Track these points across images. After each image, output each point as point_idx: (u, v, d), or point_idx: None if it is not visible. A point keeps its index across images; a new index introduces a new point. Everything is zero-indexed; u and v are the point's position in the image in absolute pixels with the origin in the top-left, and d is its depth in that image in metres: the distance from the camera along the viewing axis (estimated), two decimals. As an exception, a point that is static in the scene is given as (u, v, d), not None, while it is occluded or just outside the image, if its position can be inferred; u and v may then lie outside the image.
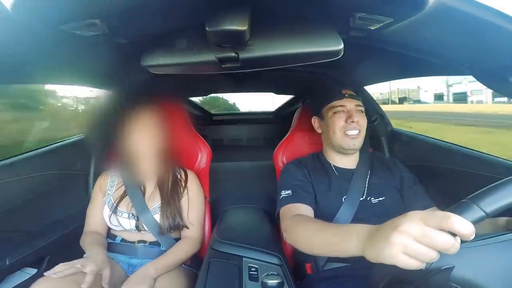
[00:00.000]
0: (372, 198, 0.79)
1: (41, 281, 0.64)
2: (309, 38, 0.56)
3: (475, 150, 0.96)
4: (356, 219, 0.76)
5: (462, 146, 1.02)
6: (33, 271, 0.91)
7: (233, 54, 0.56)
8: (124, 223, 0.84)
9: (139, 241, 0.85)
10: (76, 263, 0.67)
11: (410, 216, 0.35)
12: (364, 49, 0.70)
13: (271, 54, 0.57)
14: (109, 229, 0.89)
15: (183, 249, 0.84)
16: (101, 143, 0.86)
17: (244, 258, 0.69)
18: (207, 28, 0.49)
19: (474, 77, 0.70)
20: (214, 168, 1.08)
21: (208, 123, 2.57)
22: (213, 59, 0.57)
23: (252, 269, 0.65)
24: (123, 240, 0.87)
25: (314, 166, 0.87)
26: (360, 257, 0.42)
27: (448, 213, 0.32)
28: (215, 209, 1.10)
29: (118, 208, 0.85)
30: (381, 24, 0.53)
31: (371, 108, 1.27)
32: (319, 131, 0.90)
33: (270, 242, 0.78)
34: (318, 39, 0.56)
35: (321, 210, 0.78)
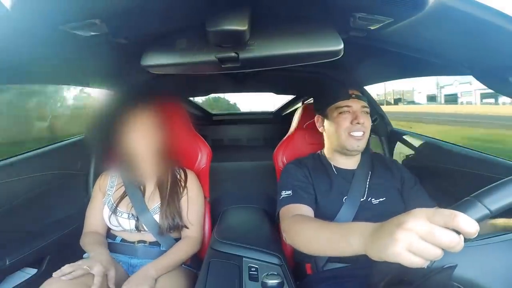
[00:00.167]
0: (372, 199, 0.79)
1: (50, 282, 0.64)
2: (309, 38, 0.56)
3: (475, 150, 0.96)
4: (356, 220, 0.76)
5: (462, 146, 1.02)
6: (33, 271, 0.91)
7: (233, 54, 0.56)
8: (123, 224, 0.84)
9: (139, 241, 0.85)
10: (83, 264, 0.67)
11: (415, 213, 0.34)
12: (364, 49, 0.70)
13: (271, 54, 0.56)
14: (109, 229, 0.89)
15: (183, 249, 0.84)
16: (101, 143, 0.86)
17: (244, 258, 0.69)
18: (207, 28, 0.49)
19: (474, 77, 0.70)
20: (214, 168, 1.08)
21: (208, 123, 2.57)
22: (213, 59, 0.57)
23: (252, 269, 0.65)
24: (123, 240, 0.87)
25: (315, 166, 0.86)
26: (360, 257, 0.41)
27: (454, 211, 0.32)
28: (215, 209, 1.10)
29: (118, 208, 0.85)
30: (381, 24, 0.53)
31: (371, 108, 1.27)
32: (322, 130, 0.89)
33: (270, 242, 0.78)
34: (318, 39, 0.56)
35: (321, 210, 0.78)
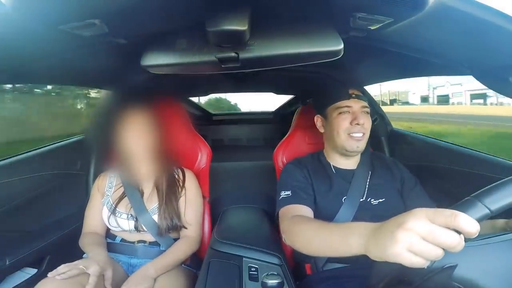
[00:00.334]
0: (372, 200, 0.79)
1: (45, 281, 0.64)
2: (309, 38, 0.56)
3: (475, 150, 0.96)
4: (356, 220, 0.75)
5: (462, 146, 1.02)
6: (33, 271, 0.91)
7: (233, 54, 0.56)
8: (123, 224, 0.84)
9: (138, 241, 0.85)
10: (79, 264, 0.67)
11: (415, 213, 0.34)
12: (364, 49, 0.70)
13: (271, 54, 0.56)
14: (108, 229, 0.89)
15: (182, 249, 0.84)
16: (100, 143, 0.86)
17: (244, 258, 0.69)
18: (207, 28, 0.49)
19: (474, 77, 0.70)
20: (214, 168, 1.08)
21: (208, 123, 2.57)
22: (213, 59, 0.57)
23: (252, 269, 0.65)
24: (122, 240, 0.87)
25: (314, 166, 0.86)
26: (359, 257, 0.41)
27: (455, 211, 0.32)
28: (215, 209, 1.10)
29: (116, 209, 0.85)
30: (381, 24, 0.53)
31: (371, 108, 1.27)
32: (322, 130, 0.89)
33: (270, 242, 0.78)
34: (318, 39, 0.56)
35: (320, 210, 0.78)
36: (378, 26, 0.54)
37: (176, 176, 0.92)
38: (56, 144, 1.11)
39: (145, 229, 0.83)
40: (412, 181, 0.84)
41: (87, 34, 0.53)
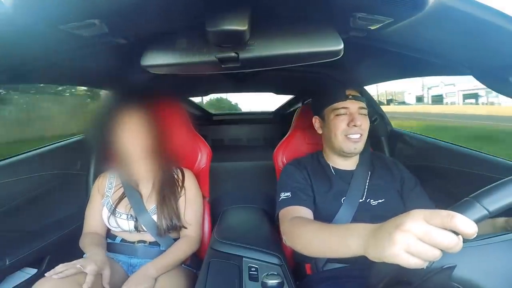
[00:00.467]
0: (371, 200, 0.79)
1: (42, 281, 0.64)
2: (309, 38, 0.56)
3: (475, 150, 0.96)
4: (355, 221, 0.75)
5: (462, 146, 1.02)
6: (33, 271, 0.91)
7: (233, 54, 0.56)
8: (122, 224, 0.84)
9: (139, 241, 0.85)
10: (76, 264, 0.67)
11: (413, 214, 0.34)
12: (364, 49, 0.70)
13: (271, 54, 0.56)
14: (109, 229, 0.89)
15: (182, 249, 0.84)
16: (99, 143, 0.86)
17: (244, 258, 0.69)
18: (207, 28, 0.49)
19: (474, 77, 0.70)
20: (214, 168, 1.08)
21: (208, 123, 2.57)
22: (213, 59, 0.57)
23: (252, 269, 0.65)
24: (123, 240, 0.87)
25: (314, 167, 0.86)
26: (359, 257, 0.41)
27: (452, 212, 0.32)
28: (215, 209, 1.10)
29: (116, 209, 0.85)
30: (381, 24, 0.53)
31: (371, 109, 1.27)
32: (320, 131, 0.89)
33: (270, 242, 0.78)
34: (318, 39, 0.56)
35: (320, 211, 0.78)
36: (378, 26, 0.53)
37: (176, 176, 0.92)
38: (56, 144, 1.11)
39: (145, 229, 0.83)
40: (412, 182, 0.84)
41: (87, 34, 0.53)
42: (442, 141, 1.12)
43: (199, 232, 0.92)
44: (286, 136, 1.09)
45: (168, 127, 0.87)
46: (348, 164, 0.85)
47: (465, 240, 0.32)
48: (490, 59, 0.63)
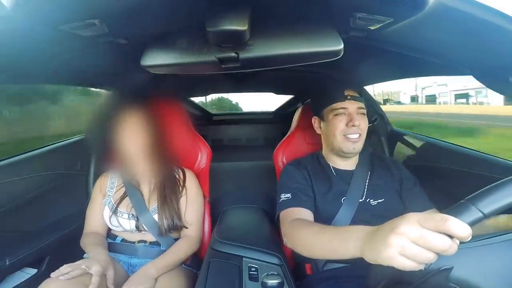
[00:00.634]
0: (371, 200, 0.79)
1: (48, 281, 0.64)
2: (309, 38, 0.56)
3: (475, 150, 0.96)
4: (355, 221, 0.76)
5: (462, 146, 1.02)
6: (33, 271, 0.91)
7: (233, 54, 0.56)
8: (124, 224, 0.84)
9: (139, 241, 0.85)
10: (81, 264, 0.67)
11: (407, 217, 0.35)
12: (364, 49, 0.70)
13: (271, 54, 0.56)
14: (109, 229, 0.89)
15: (183, 249, 0.84)
16: (100, 143, 0.86)
17: (244, 258, 0.69)
18: (207, 28, 0.49)
19: (474, 77, 0.70)
20: (214, 168, 1.08)
21: (208, 123, 2.57)
22: (213, 59, 0.57)
23: (252, 269, 0.65)
24: (123, 240, 0.87)
25: (314, 167, 0.86)
26: (359, 258, 0.42)
27: (445, 215, 0.32)
28: (215, 209, 1.10)
29: (118, 209, 0.85)
30: (381, 24, 0.53)
31: (371, 108, 1.27)
32: (319, 132, 0.89)
33: (270, 242, 0.78)
34: (318, 39, 0.56)
35: (320, 211, 0.78)
36: (378, 26, 0.54)
37: (177, 176, 0.92)
38: (56, 144, 1.11)
39: (146, 229, 0.83)
40: (411, 181, 0.84)
41: (87, 34, 0.53)
42: (442, 141, 1.13)
43: (200, 232, 0.92)
44: (286, 136, 1.09)
45: (168, 127, 0.87)
46: (348, 164, 0.85)
47: (462, 242, 0.32)
48: (490, 59, 0.63)
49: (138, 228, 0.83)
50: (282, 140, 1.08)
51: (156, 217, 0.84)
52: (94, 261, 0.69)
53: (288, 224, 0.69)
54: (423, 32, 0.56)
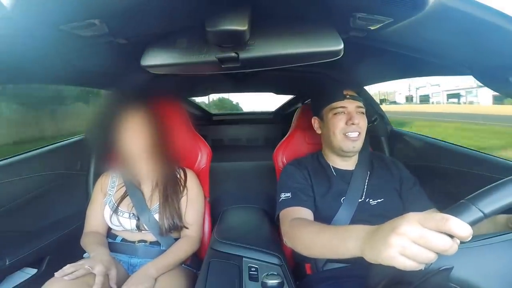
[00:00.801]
0: (371, 200, 0.79)
1: (52, 281, 0.64)
2: (309, 38, 0.56)
3: (475, 150, 0.96)
4: (354, 221, 0.76)
5: (462, 146, 1.02)
6: (33, 271, 0.91)
7: (233, 54, 0.56)
8: (125, 223, 0.84)
9: (139, 241, 0.85)
10: (84, 264, 0.67)
11: (408, 217, 0.35)
12: (364, 49, 0.70)
13: (271, 54, 0.56)
14: (109, 228, 0.89)
15: (183, 248, 0.84)
16: (100, 143, 0.86)
17: (244, 258, 0.69)
18: (207, 28, 0.49)
19: (474, 77, 0.70)
20: (214, 168, 1.08)
21: (208, 123, 2.57)
22: (213, 59, 0.57)
23: (252, 269, 0.65)
24: (123, 239, 0.87)
25: (314, 167, 0.86)
26: (359, 257, 0.42)
27: (446, 215, 0.32)
28: (215, 209, 1.10)
29: (119, 208, 0.85)
30: (381, 24, 0.53)
31: (371, 108, 1.27)
32: (319, 131, 0.89)
33: (270, 242, 0.78)
34: (318, 39, 0.56)
35: (319, 211, 0.78)
36: (378, 26, 0.54)
37: (178, 175, 0.92)
38: (56, 144, 1.11)
39: (147, 229, 0.83)
40: (411, 181, 0.84)
41: (87, 34, 0.53)
42: (442, 141, 1.13)
43: (200, 232, 0.92)
44: (286, 136, 1.09)
45: (169, 127, 0.87)
46: (348, 164, 0.86)
47: (463, 241, 0.32)
48: (490, 59, 0.63)
49: (138, 228, 0.83)
50: (282, 140, 1.08)
51: (157, 216, 0.84)
52: (97, 261, 0.70)
53: (288, 224, 0.69)
54: (423, 32, 0.56)
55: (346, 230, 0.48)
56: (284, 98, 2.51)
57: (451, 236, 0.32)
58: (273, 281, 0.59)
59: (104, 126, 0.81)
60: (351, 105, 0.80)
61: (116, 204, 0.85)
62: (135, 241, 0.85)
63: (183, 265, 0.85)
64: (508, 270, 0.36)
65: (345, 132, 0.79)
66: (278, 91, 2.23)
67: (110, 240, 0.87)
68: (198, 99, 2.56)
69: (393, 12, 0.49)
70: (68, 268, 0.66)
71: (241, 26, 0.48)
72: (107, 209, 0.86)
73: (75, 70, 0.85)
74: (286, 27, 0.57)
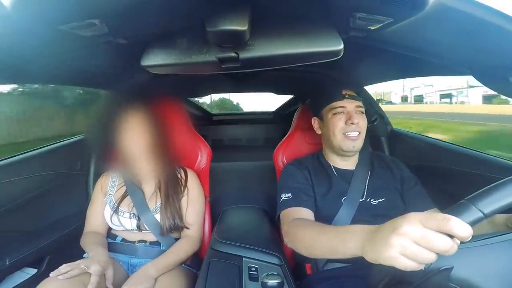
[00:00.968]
0: (371, 200, 0.79)
1: (47, 281, 0.64)
2: (309, 38, 0.56)
3: (475, 150, 0.96)
4: (355, 221, 0.76)
5: (462, 146, 1.02)
6: (33, 271, 0.91)
7: (233, 54, 0.56)
8: (125, 223, 0.84)
9: (139, 241, 0.85)
10: (80, 264, 0.67)
11: (409, 217, 0.35)
12: (364, 49, 0.70)
13: (271, 54, 0.56)
14: (109, 228, 0.89)
15: (183, 249, 0.84)
16: (100, 143, 0.86)
17: (244, 258, 0.69)
18: (207, 28, 0.49)
19: (474, 77, 0.70)
20: (214, 168, 1.08)
21: (208, 123, 2.57)
22: (213, 59, 0.57)
23: (252, 269, 0.65)
24: (123, 239, 0.87)
25: (315, 167, 0.86)
26: (359, 257, 0.42)
27: (447, 215, 0.32)
28: (215, 209, 1.10)
29: (119, 208, 0.85)
30: (381, 24, 0.53)
31: (371, 108, 1.27)
32: (319, 132, 0.89)
33: (270, 242, 0.78)
34: (318, 39, 0.56)
35: (320, 211, 0.78)
36: (378, 26, 0.54)
37: (179, 175, 0.92)
38: (56, 144, 1.11)
39: (147, 229, 0.83)
40: (413, 181, 0.84)
41: (87, 34, 0.53)
42: (442, 141, 1.12)
43: (200, 232, 0.92)
44: (286, 136, 1.09)
45: (169, 127, 0.87)
46: (348, 164, 0.86)
47: (463, 241, 0.32)
48: (490, 59, 0.63)
49: (139, 228, 0.83)
50: (282, 140, 1.08)
51: (157, 216, 0.84)
52: (94, 260, 0.69)
53: (289, 224, 0.69)
54: (423, 32, 0.56)
55: (346, 230, 0.48)
56: (284, 98, 2.51)
57: (451, 236, 0.32)
58: (273, 281, 0.59)
59: (104, 126, 0.81)
60: (350, 105, 0.81)
61: (116, 204, 0.85)
62: (135, 241, 0.85)
63: (183, 265, 0.85)
64: (508, 270, 0.36)
65: (345, 132, 0.79)
66: (278, 91, 2.23)
67: (110, 240, 0.87)
68: (200, 100, 2.57)
69: (393, 12, 0.49)
70: (63, 267, 0.66)
71: (241, 26, 0.48)
72: (108, 209, 0.86)
73: (75, 70, 0.85)
74: (286, 27, 0.57)
